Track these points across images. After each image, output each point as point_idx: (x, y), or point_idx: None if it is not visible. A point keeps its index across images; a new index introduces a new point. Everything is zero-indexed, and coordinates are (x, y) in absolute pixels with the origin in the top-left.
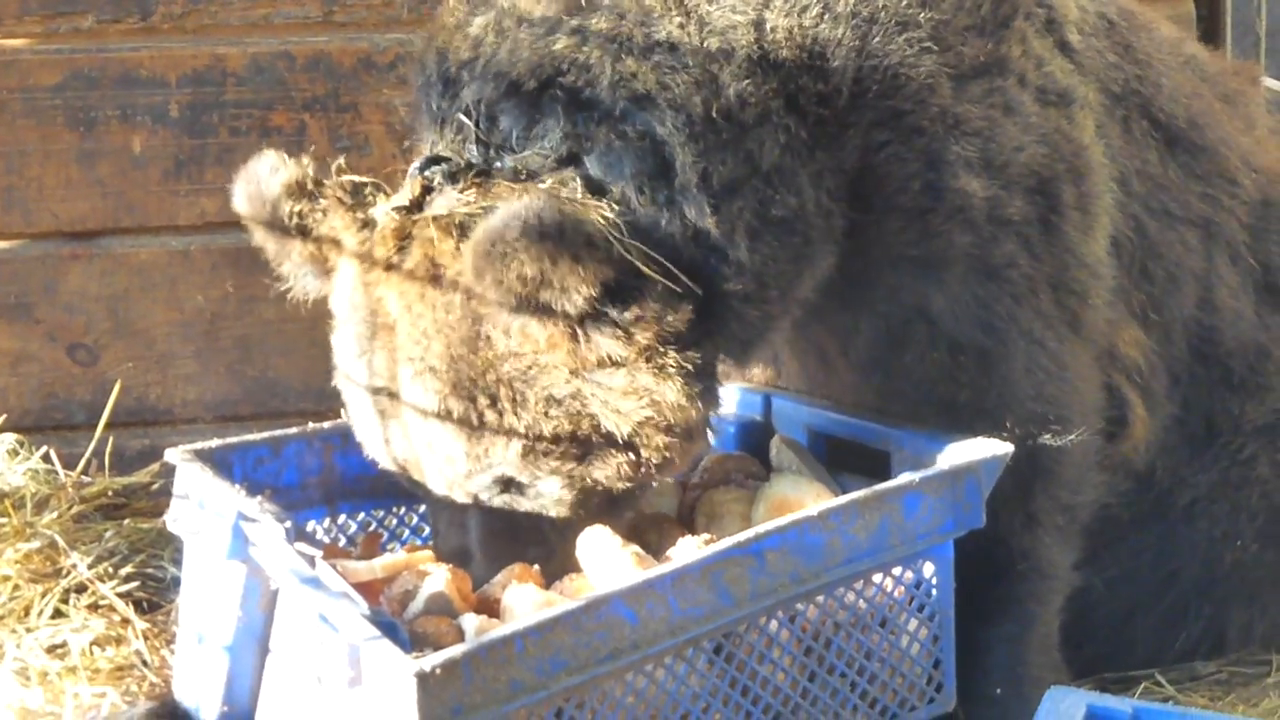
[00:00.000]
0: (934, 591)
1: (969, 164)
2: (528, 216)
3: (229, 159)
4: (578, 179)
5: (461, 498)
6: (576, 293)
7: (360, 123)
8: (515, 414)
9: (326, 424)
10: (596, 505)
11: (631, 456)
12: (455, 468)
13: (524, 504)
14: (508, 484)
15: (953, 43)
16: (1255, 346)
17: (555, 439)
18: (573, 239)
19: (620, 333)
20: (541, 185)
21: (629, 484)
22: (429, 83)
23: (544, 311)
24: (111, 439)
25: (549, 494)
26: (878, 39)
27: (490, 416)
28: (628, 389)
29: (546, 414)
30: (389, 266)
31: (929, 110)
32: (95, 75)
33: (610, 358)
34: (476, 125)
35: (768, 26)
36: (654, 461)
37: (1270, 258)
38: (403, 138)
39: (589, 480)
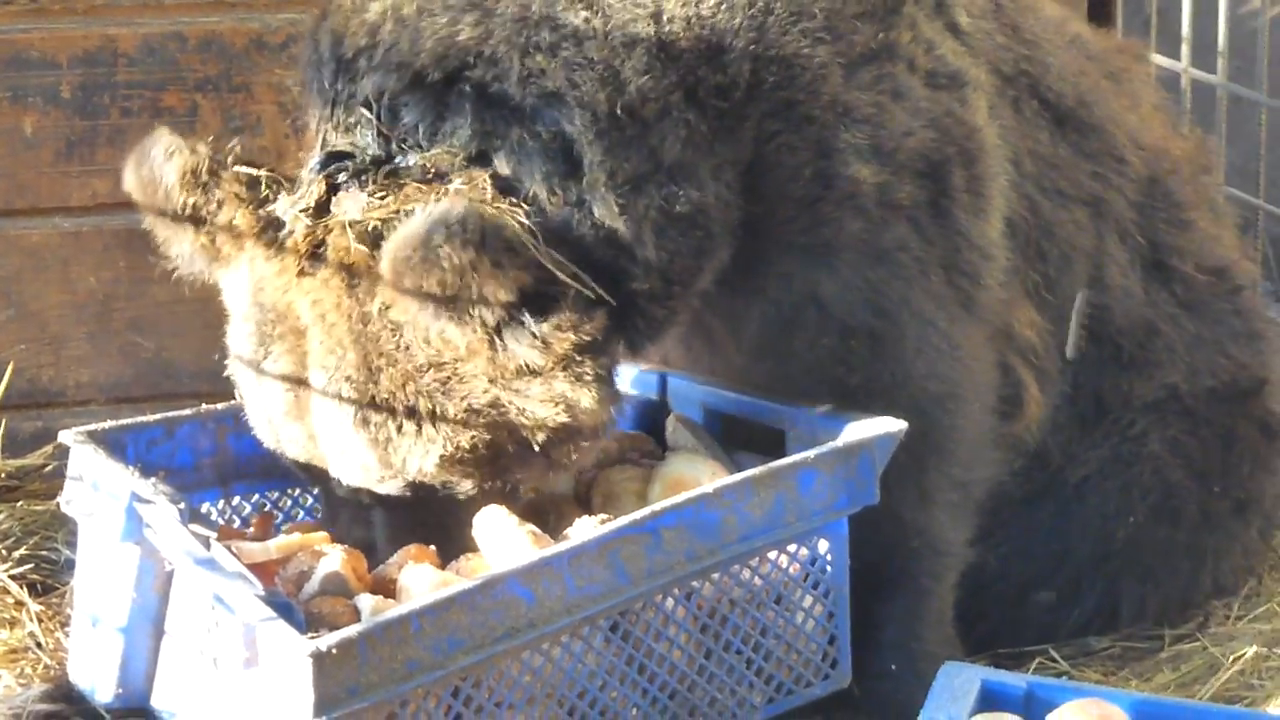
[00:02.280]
0: (829, 568)
1: (859, 151)
2: (449, 221)
3: (121, 140)
4: (488, 178)
5: (368, 496)
6: (495, 299)
7: (253, 103)
8: (434, 425)
9: (220, 405)
10: (499, 490)
11: (544, 459)
12: (368, 474)
13: (426, 494)
14: (420, 486)
15: (844, 31)
16: (1144, 324)
17: (473, 448)
18: (493, 244)
19: (538, 342)
20: (453, 185)
21: (538, 482)
22: (321, 61)
23: (463, 317)
24: (4, 421)
25: (459, 494)
26: (774, 30)
27: (409, 427)
28: (545, 397)
29: (465, 424)
30: (300, 274)
31: (820, 99)
32: None
33: (528, 366)
34: (378, 118)
35: (665, 16)
36: (564, 463)
37: (1157, 235)
38: (295, 117)
39: (500, 483)
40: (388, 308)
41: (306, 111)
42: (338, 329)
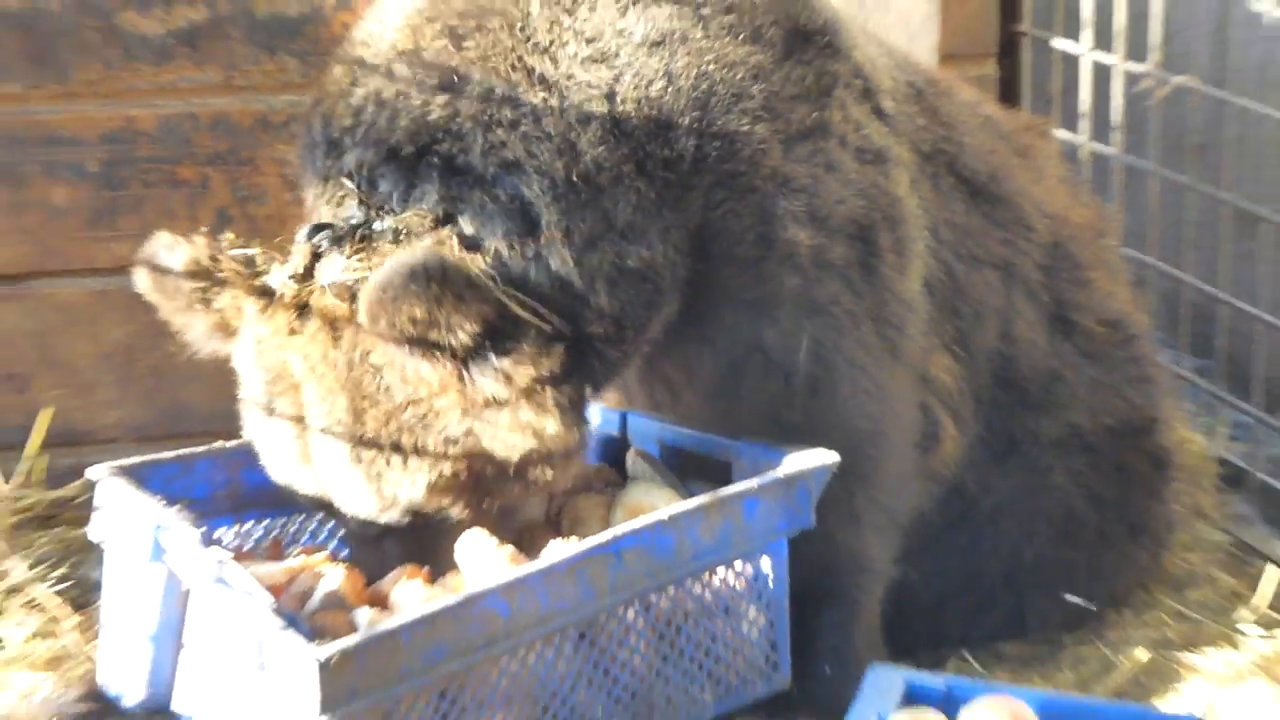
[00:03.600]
0: (770, 583)
1: (796, 217)
2: (413, 263)
3: (141, 208)
4: (454, 236)
5: (374, 528)
6: (461, 330)
7: (258, 175)
8: (418, 457)
9: (232, 443)
10: (489, 515)
11: (521, 481)
12: (367, 505)
13: (429, 522)
14: (415, 513)
15: (781, 110)
16: (1049, 371)
17: (455, 474)
18: (454, 280)
19: (501, 376)
20: (423, 244)
21: (519, 502)
22: (314, 143)
23: (433, 351)
24: (44, 457)
25: (453, 519)
26: (716, 110)
27: (395, 461)
28: (513, 425)
29: (445, 453)
30: (291, 332)
31: (761, 171)
32: (22, 136)
33: (494, 398)
34: (359, 187)
35: (618, 98)
36: (540, 483)
37: (1060, 293)
38: (295, 188)
39: (486, 504)
40: (368, 354)
41: (303, 187)
42: (326, 379)
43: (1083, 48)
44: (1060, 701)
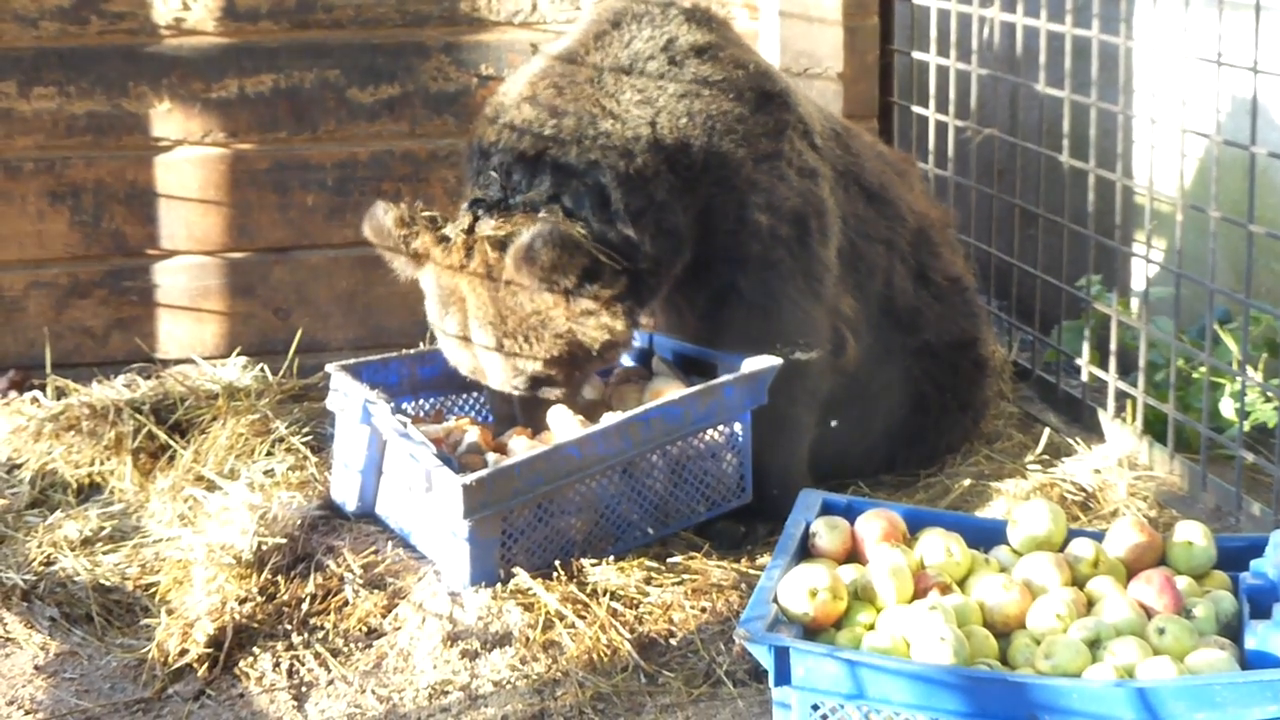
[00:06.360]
0: (740, 438)
1: (759, 207)
2: (543, 233)
3: (359, 209)
4: (559, 209)
5: (507, 389)
6: (569, 275)
7: (429, 188)
8: (538, 345)
9: (412, 350)
10: (574, 382)
11: (599, 359)
12: (504, 376)
13: (539, 387)
14: (533, 380)
15: (753, 141)
16: (913, 308)
17: (559, 354)
18: (566, 244)
19: (591, 297)
20: (540, 215)
21: (593, 370)
22: (473, 154)
23: (553, 284)
24: (298, 360)
25: (555, 387)
26: (715, 138)
27: (523, 348)
28: (596, 326)
29: (554, 344)
30: (460, 266)
31: (740, 177)
32: (287, 163)
33: (587, 310)
34: (501, 178)
35: (658, 126)
36: (609, 359)
37: (921, 259)
38: (452, 194)
39: (577, 374)
40: (509, 283)
41: (464, 183)
42: (482, 296)
43: (930, 111)
44: (917, 511)
